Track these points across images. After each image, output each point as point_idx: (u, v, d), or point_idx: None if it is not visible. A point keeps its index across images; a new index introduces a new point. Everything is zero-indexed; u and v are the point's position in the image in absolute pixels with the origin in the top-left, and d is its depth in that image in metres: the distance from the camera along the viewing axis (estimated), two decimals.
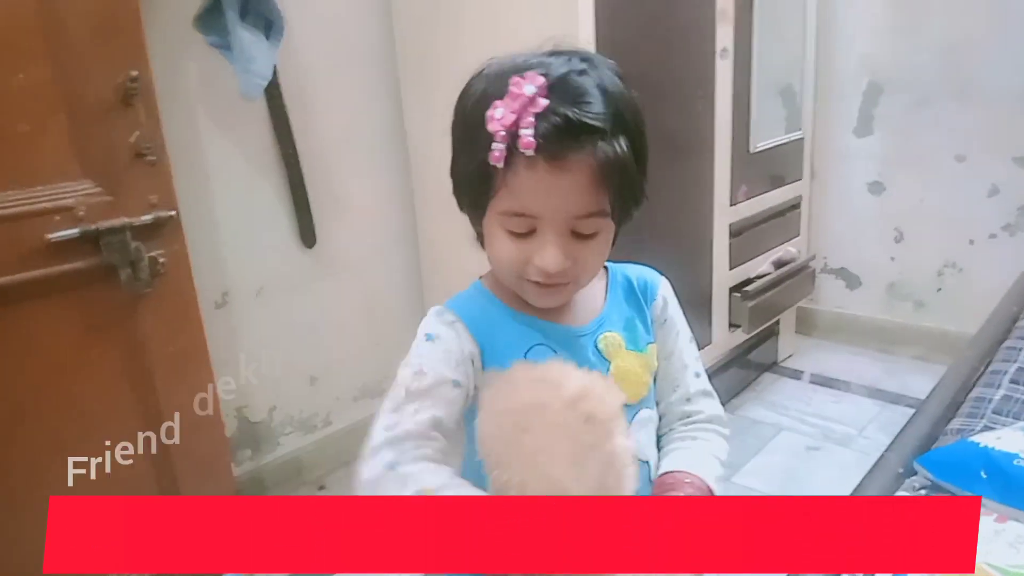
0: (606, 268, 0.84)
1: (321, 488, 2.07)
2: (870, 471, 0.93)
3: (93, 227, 1.38)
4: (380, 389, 2.23)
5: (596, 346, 0.78)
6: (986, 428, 0.97)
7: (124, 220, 1.42)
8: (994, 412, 1.03)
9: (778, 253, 2.47)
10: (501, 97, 0.66)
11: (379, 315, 2.21)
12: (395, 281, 2.24)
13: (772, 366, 2.63)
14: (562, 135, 0.65)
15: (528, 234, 0.70)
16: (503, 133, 0.66)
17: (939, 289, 2.57)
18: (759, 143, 2.26)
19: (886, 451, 0.96)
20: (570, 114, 0.65)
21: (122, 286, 1.44)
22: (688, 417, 0.84)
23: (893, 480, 0.90)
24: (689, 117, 2.00)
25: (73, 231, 1.36)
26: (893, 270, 2.65)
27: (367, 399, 2.21)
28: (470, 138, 0.72)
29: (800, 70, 2.47)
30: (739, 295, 2.27)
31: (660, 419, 0.84)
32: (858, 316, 2.77)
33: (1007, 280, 2.39)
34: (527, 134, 0.65)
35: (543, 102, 0.65)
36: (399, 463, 0.67)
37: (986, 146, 2.35)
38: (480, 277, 0.83)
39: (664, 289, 0.85)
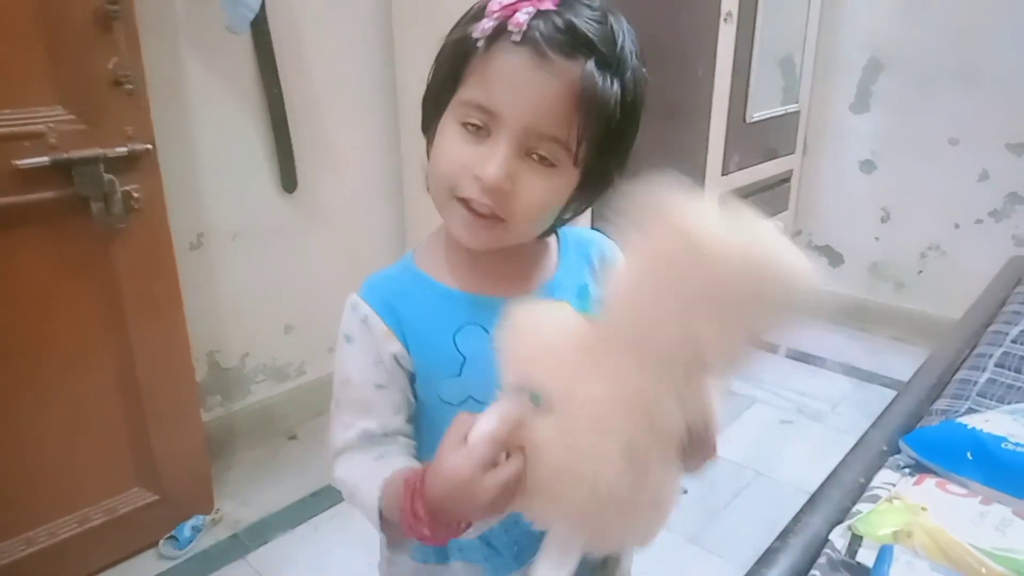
0: (557, 234, 0.76)
1: (292, 438, 2.05)
2: (854, 448, 0.92)
3: (65, 156, 1.32)
4: None
5: None
6: (971, 410, 0.97)
7: (98, 151, 1.36)
8: (979, 395, 1.02)
9: None
10: None
11: (359, 267, 2.16)
12: (377, 233, 2.19)
13: None
14: (556, 34, 0.60)
15: (480, 139, 0.63)
16: (498, 14, 0.61)
17: (921, 271, 2.58)
18: (756, 113, 2.23)
19: (870, 428, 0.96)
20: (576, 22, 0.61)
21: (94, 220, 1.39)
22: None
23: (876, 457, 0.89)
24: (688, 81, 1.96)
25: (43, 159, 1.30)
26: (877, 250, 2.65)
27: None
28: (463, 22, 0.66)
29: (802, 41, 2.43)
30: None
31: None
32: (838, 293, 2.77)
33: (989, 266, 2.39)
34: (522, 15, 0.60)
35: (550, 5, 0.61)
36: (343, 480, 0.72)
37: (980, 131, 2.34)
38: (412, 249, 0.76)
39: (599, 238, 0.78)
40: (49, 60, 1.31)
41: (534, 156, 0.62)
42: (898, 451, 0.90)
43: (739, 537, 1.67)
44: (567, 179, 0.65)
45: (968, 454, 0.81)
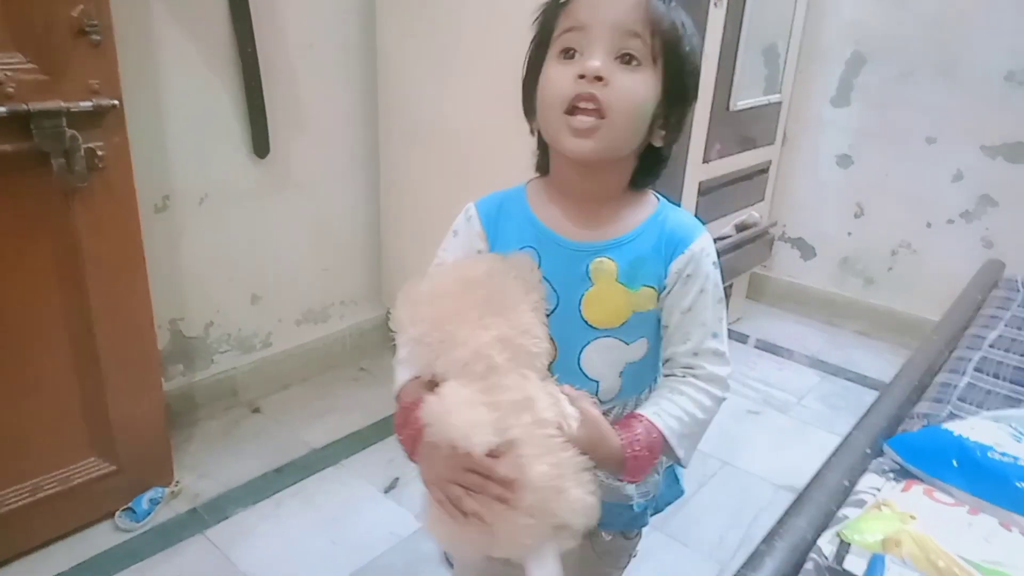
0: (657, 198, 0.86)
1: (255, 411, 2.00)
2: (837, 449, 0.91)
3: (24, 107, 1.24)
4: (325, 315, 2.15)
5: (587, 266, 0.81)
6: (952, 415, 0.97)
7: (60, 104, 1.28)
8: (959, 399, 1.02)
9: (741, 216, 2.45)
10: None
11: (330, 237, 2.11)
12: (351, 203, 2.13)
13: None
14: None
15: (576, 60, 0.75)
16: None
17: (890, 268, 2.60)
18: (739, 102, 2.20)
19: (853, 430, 0.95)
20: None
21: (54, 177, 1.31)
22: (690, 369, 0.84)
23: (860, 460, 0.89)
24: None
25: (0, 109, 1.22)
26: (849, 245, 2.67)
27: (310, 324, 2.12)
28: (544, 10, 0.80)
29: (787, 30, 2.41)
30: None
31: (664, 364, 0.86)
32: (808, 287, 2.79)
33: (958, 266, 2.43)
34: None
35: None
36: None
37: (957, 131, 2.35)
38: (529, 180, 0.89)
39: (698, 245, 0.82)
40: (6, 2, 1.22)
41: (621, 58, 0.74)
42: (881, 454, 0.90)
43: (704, 526, 1.68)
44: (651, 77, 0.76)
45: (954, 461, 0.80)
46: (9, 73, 1.23)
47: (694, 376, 0.83)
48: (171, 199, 1.74)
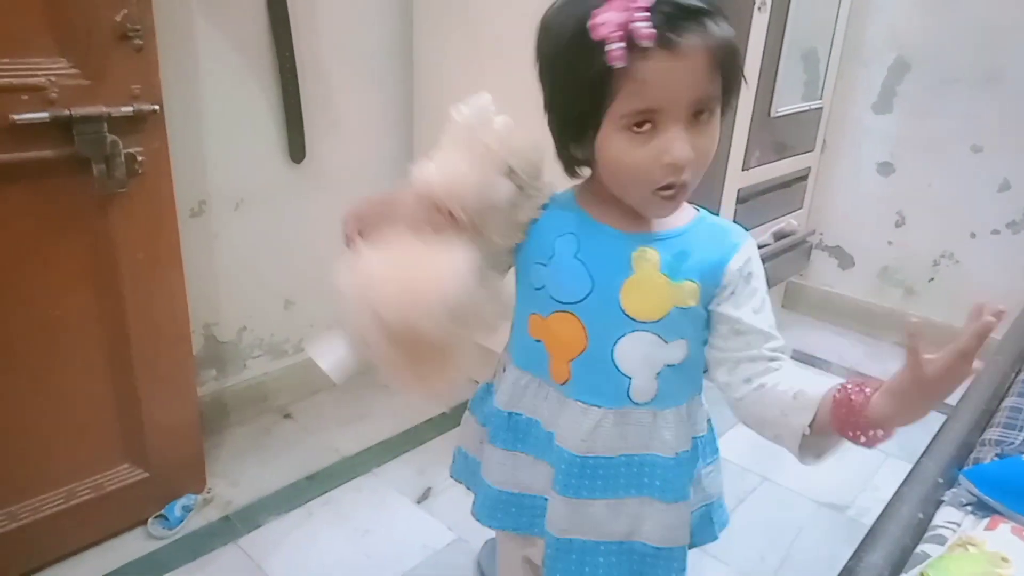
0: (697, 209, 0.86)
1: (287, 416, 1.98)
2: (907, 478, 0.87)
3: (66, 112, 1.23)
4: None
5: (630, 253, 0.80)
6: None
7: (102, 109, 1.27)
8: None
9: (780, 224, 2.40)
10: (600, 5, 0.68)
11: None
12: None
13: None
14: (676, 21, 0.68)
15: (650, 136, 0.72)
16: (619, 33, 0.67)
17: (932, 279, 2.54)
18: (780, 108, 2.16)
19: (922, 457, 0.91)
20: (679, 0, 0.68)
21: (94, 182, 1.30)
22: (775, 361, 0.82)
23: (932, 490, 0.85)
24: None
25: (43, 114, 1.21)
26: (889, 254, 2.61)
27: (342, 329, 2.10)
28: (575, 55, 0.71)
29: (829, 35, 2.36)
30: None
31: (745, 364, 0.82)
32: (846, 296, 2.73)
33: (1002, 278, 2.37)
34: (644, 26, 0.66)
35: (646, 1, 0.67)
36: None
37: (1004, 139, 2.28)
38: (575, 186, 0.88)
39: (750, 245, 0.85)
40: (52, 7, 1.21)
41: (697, 119, 0.72)
42: (954, 484, 0.86)
43: (744, 544, 1.63)
44: (718, 121, 0.75)
45: None
46: (53, 78, 1.22)
47: (776, 360, 0.82)
48: (207, 204, 1.72)
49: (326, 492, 1.71)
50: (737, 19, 1.88)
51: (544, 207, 0.86)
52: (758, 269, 0.83)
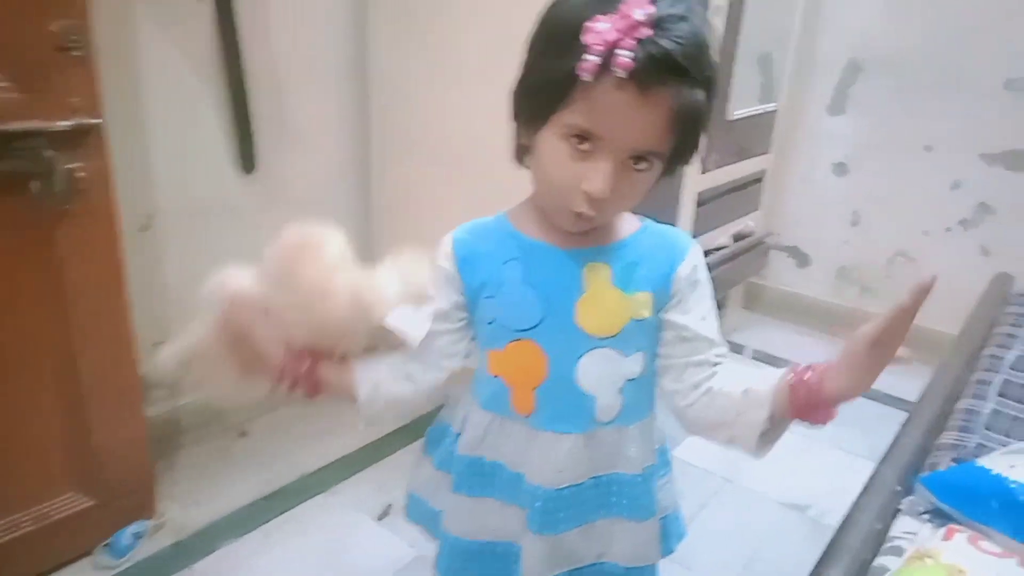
0: (641, 219, 0.85)
1: (243, 434, 1.93)
2: (866, 487, 0.87)
3: (1, 128, 1.18)
4: None
5: (580, 270, 0.79)
6: (980, 446, 0.93)
7: (39, 124, 1.21)
8: (986, 428, 0.99)
9: (738, 226, 2.42)
10: (605, 13, 0.66)
11: None
12: (341, 218, 2.01)
13: None
14: (659, 67, 0.65)
15: (584, 156, 0.70)
16: (601, 48, 0.65)
17: (888, 277, 2.58)
18: (737, 111, 2.17)
19: (880, 465, 0.91)
20: (672, 50, 0.65)
21: (32, 200, 1.25)
22: (715, 364, 0.82)
23: (891, 498, 0.84)
24: None
25: None
26: (845, 253, 2.64)
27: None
28: (557, 44, 0.70)
29: (783, 38, 2.38)
30: None
31: (692, 369, 0.82)
32: (804, 295, 2.76)
33: (956, 274, 2.41)
34: (627, 55, 0.64)
35: (647, 31, 0.65)
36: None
37: (955, 139, 2.33)
38: (507, 211, 0.86)
39: (696, 252, 0.83)
40: None
41: (631, 162, 0.70)
42: (912, 491, 0.86)
43: (708, 548, 1.63)
44: (654, 175, 0.74)
45: (993, 502, 0.76)
46: None
47: (718, 364, 0.82)
48: (155, 218, 1.67)
49: (284, 512, 1.67)
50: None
51: (456, 246, 0.84)
52: (705, 276, 0.83)
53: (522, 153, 0.80)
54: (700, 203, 2.16)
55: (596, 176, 0.69)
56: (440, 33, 1.77)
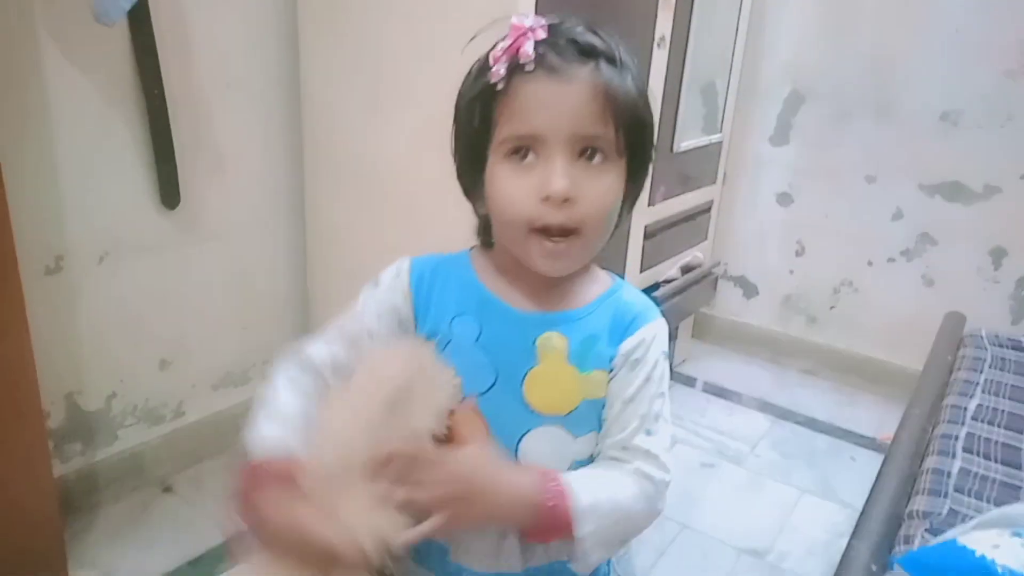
0: (611, 277, 0.80)
1: (167, 490, 1.78)
2: (840, 567, 0.81)
3: None
4: (245, 377, 1.95)
5: (534, 339, 0.73)
6: (952, 511, 0.88)
7: None
8: (956, 490, 0.94)
9: (686, 258, 2.38)
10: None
11: (251, 292, 1.93)
12: (273, 253, 1.96)
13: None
14: (564, 50, 0.66)
15: (530, 168, 0.67)
16: (503, 56, 0.66)
17: (832, 307, 2.58)
18: (683, 143, 2.14)
19: (852, 539, 0.85)
20: (575, 35, 0.67)
21: None
22: (616, 461, 0.73)
23: None
24: None
25: None
26: (791, 283, 2.64)
27: (229, 388, 1.92)
28: (471, 86, 0.71)
29: (726, 69, 2.37)
30: None
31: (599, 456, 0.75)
32: (752, 325, 2.75)
33: (899, 304, 2.43)
34: (527, 47, 0.65)
35: (543, 34, 0.66)
36: (280, 373, 0.75)
37: (896, 169, 2.35)
38: (472, 247, 0.81)
39: (651, 329, 0.75)
40: None
41: (584, 158, 0.67)
42: (888, 568, 0.80)
43: None
44: (618, 172, 0.70)
45: None
46: None
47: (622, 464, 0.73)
48: (65, 259, 1.53)
49: None
50: (638, 56, 1.84)
51: (432, 269, 0.77)
52: (655, 356, 0.74)
53: (479, 204, 0.75)
54: (648, 235, 2.12)
55: (551, 177, 0.66)
56: (374, 56, 1.68)
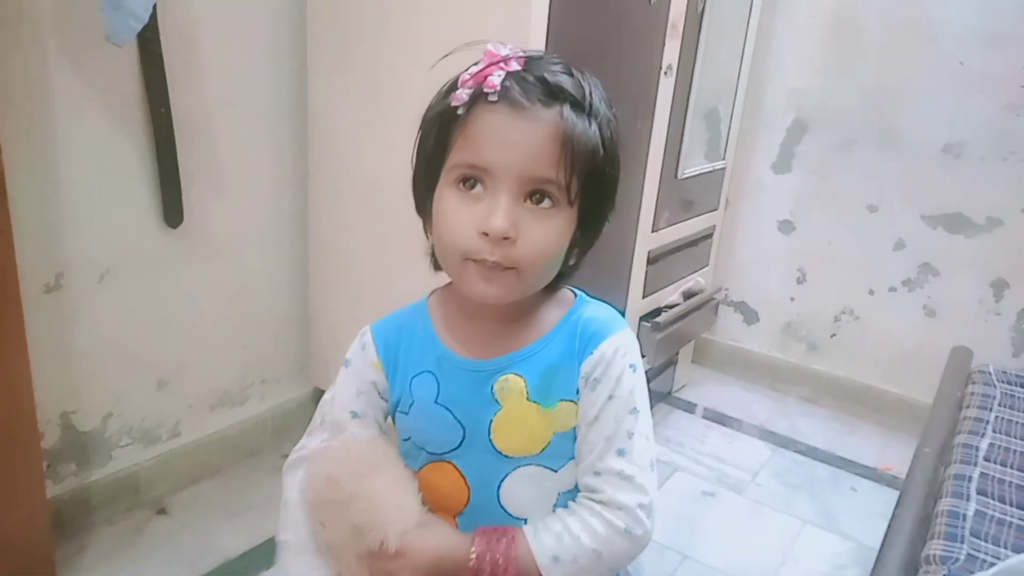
0: (574, 295, 0.77)
1: (161, 512, 1.75)
2: None
3: None
4: (244, 397, 1.93)
5: (491, 386, 0.71)
6: (970, 556, 0.87)
7: None
8: (972, 535, 0.93)
9: (688, 284, 2.38)
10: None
11: (252, 311, 1.91)
12: (275, 272, 1.94)
13: (667, 396, 2.55)
14: (530, 87, 0.65)
15: (477, 199, 0.66)
16: (470, 81, 0.65)
17: (833, 335, 2.57)
18: (687, 169, 2.14)
19: None
20: (546, 75, 0.66)
21: None
22: (591, 492, 0.70)
23: None
24: (627, 136, 1.83)
25: None
26: (792, 310, 2.63)
27: (226, 408, 1.90)
28: (436, 106, 0.70)
29: (730, 96, 2.38)
30: (649, 325, 2.14)
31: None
32: (752, 351, 2.74)
33: (900, 334, 2.43)
34: (495, 77, 0.64)
35: (516, 66, 0.66)
36: (290, 487, 0.79)
37: (898, 199, 2.35)
38: (433, 291, 0.81)
39: (611, 344, 0.71)
40: None
41: (531, 201, 0.66)
42: None
43: None
44: (566, 219, 0.68)
45: None
46: None
47: (593, 500, 0.70)
48: (65, 276, 1.51)
49: None
50: (645, 84, 1.84)
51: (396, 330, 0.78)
52: (618, 372, 0.70)
53: (428, 223, 0.74)
54: (651, 261, 2.11)
55: (492, 213, 0.64)
56: (382, 78, 1.68)
